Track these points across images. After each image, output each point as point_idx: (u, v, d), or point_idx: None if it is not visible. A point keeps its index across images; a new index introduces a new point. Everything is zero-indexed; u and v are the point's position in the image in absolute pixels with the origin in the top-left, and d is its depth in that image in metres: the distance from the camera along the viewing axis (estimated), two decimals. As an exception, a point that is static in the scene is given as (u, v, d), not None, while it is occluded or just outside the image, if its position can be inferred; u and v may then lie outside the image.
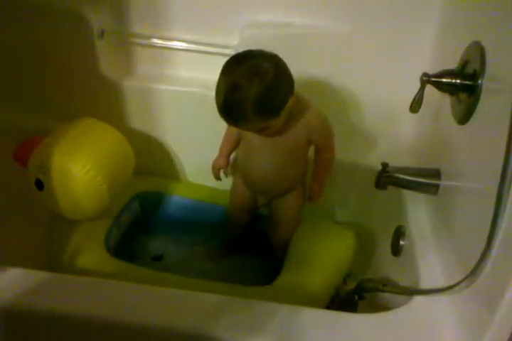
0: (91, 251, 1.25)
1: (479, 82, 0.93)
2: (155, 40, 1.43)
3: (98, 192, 1.21)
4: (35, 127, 1.41)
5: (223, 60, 1.41)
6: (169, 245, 1.46)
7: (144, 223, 1.49)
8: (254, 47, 1.31)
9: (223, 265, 1.39)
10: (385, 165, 1.14)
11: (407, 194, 1.23)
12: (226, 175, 1.37)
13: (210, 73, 1.44)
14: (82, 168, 1.18)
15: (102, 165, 1.22)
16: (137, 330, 0.90)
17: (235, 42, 1.38)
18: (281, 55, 1.31)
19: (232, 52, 1.38)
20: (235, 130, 1.27)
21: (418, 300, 0.94)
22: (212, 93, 1.39)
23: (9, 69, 1.45)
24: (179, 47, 1.43)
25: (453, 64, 1.03)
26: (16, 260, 1.02)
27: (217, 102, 1.05)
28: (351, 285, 1.23)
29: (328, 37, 1.30)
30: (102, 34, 1.41)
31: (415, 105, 1.02)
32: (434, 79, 0.99)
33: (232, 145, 1.33)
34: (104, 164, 1.22)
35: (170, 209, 1.50)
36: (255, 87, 1.00)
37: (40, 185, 1.22)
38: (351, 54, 1.33)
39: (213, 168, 1.36)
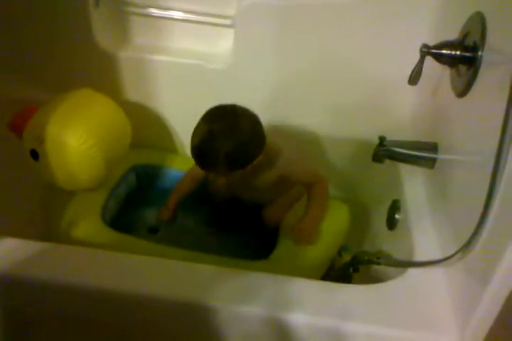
0: (87, 222, 1.24)
1: (479, 54, 0.92)
2: (151, 10, 1.40)
3: (94, 163, 1.21)
4: (30, 98, 1.39)
5: (220, 31, 1.42)
6: (165, 218, 1.45)
7: (140, 195, 1.49)
8: (253, 17, 1.30)
9: (219, 239, 1.39)
10: (382, 139, 1.14)
11: (403, 168, 1.23)
12: (169, 222, 1.39)
13: (206, 44, 1.46)
14: (78, 139, 1.17)
15: (98, 136, 1.21)
16: (132, 300, 0.91)
17: (233, 13, 1.35)
18: (279, 26, 1.30)
19: (229, 22, 1.37)
20: (190, 184, 1.38)
21: (412, 272, 0.95)
22: (210, 65, 1.40)
23: (1, 39, 1.42)
24: (176, 17, 1.40)
25: (454, 35, 1.02)
26: (12, 231, 1.03)
27: (192, 143, 1.11)
28: (346, 258, 1.25)
29: (328, 8, 1.28)
30: (97, 2, 1.37)
31: (414, 77, 1.01)
32: (433, 50, 0.98)
33: (183, 197, 1.39)
34: (100, 135, 1.21)
35: (166, 181, 1.50)
36: (230, 142, 1.07)
37: (35, 155, 1.21)
38: (351, 25, 1.31)
39: (158, 217, 1.39)
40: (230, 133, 1.08)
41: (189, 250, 1.21)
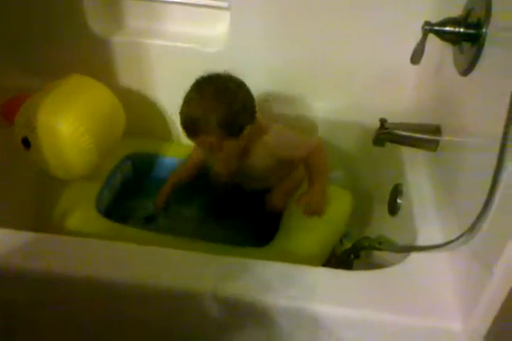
0: (81, 212, 1.22)
1: (483, 30, 0.89)
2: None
3: (86, 150, 1.18)
4: (22, 85, 1.37)
5: (215, 14, 1.38)
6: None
7: (136, 185, 1.46)
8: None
9: (217, 226, 1.36)
10: (383, 121, 1.10)
11: (405, 151, 1.20)
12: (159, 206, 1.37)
13: (202, 27, 1.42)
14: (69, 126, 1.14)
15: (90, 123, 1.18)
16: (127, 290, 0.88)
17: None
18: (275, 9, 1.26)
19: (225, 4, 1.33)
20: (186, 173, 1.37)
21: (415, 257, 0.92)
22: (205, 48, 1.36)
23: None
24: (171, 0, 1.36)
25: (457, 13, 0.98)
26: (5, 221, 1.00)
27: (182, 111, 1.10)
28: (348, 245, 1.21)
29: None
30: (90, -14, 1.34)
31: (416, 56, 0.98)
32: (436, 27, 0.95)
33: (177, 187, 1.36)
34: (92, 121, 1.18)
35: (162, 170, 1.46)
36: (222, 105, 1.07)
37: (27, 143, 1.18)
38: (350, 8, 1.27)
39: (158, 195, 1.37)
40: (220, 96, 1.07)
41: (187, 238, 1.18)
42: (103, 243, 0.95)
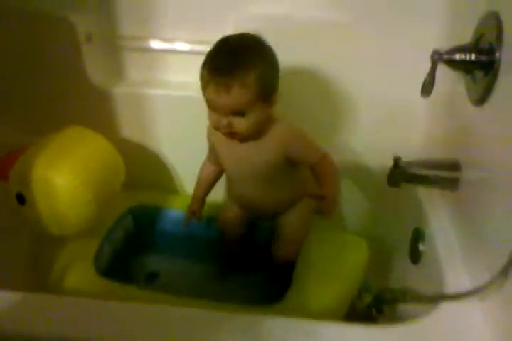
0: (78, 271, 1.15)
1: (496, 55, 0.83)
2: (144, 43, 1.34)
3: (83, 202, 1.12)
4: (21, 141, 1.32)
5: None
6: (165, 263, 1.35)
7: (138, 239, 1.38)
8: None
9: (224, 283, 1.28)
10: (397, 160, 1.02)
11: (422, 191, 1.12)
12: (199, 219, 1.28)
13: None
14: (63, 177, 1.09)
15: (86, 173, 1.13)
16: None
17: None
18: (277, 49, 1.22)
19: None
20: (210, 169, 1.25)
21: (444, 307, 0.82)
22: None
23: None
24: (170, 49, 1.34)
25: (466, 39, 0.92)
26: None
27: (214, 51, 1.03)
28: (368, 299, 1.11)
29: (326, 26, 1.21)
30: (88, 38, 1.33)
31: (427, 88, 0.91)
32: (446, 56, 0.88)
33: (208, 187, 1.27)
34: (88, 172, 1.13)
35: (166, 224, 1.39)
36: (266, 58, 1.01)
37: (21, 199, 1.13)
38: (354, 43, 1.22)
39: (187, 211, 1.28)
40: (263, 51, 1.01)
41: (191, 297, 1.09)
42: (102, 303, 0.87)
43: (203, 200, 1.27)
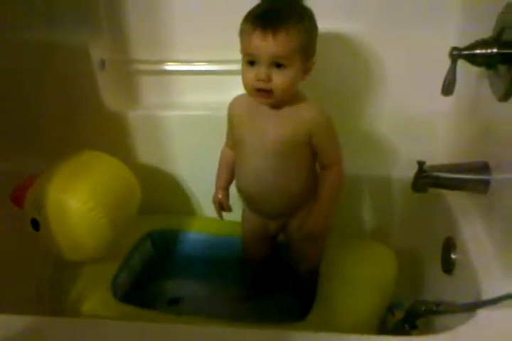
0: (95, 297, 1.12)
1: (520, 47, 0.80)
2: (158, 66, 1.35)
3: (98, 226, 1.09)
4: (37, 168, 1.31)
5: (230, 81, 1.32)
6: (187, 287, 1.30)
7: (159, 264, 1.35)
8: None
9: (248, 306, 1.22)
10: (421, 164, 0.98)
11: (450, 196, 1.07)
12: (227, 209, 1.22)
13: (217, 95, 1.36)
14: (78, 200, 1.07)
15: (101, 197, 1.10)
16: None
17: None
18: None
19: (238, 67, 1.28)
20: (230, 154, 1.19)
21: (483, 315, 0.76)
22: (223, 113, 1.28)
23: (5, 108, 1.38)
24: (182, 70, 1.34)
25: (486, 33, 0.89)
26: (18, 307, 0.93)
27: (257, 6, 1.00)
28: (400, 316, 1.04)
29: (336, 37, 1.20)
30: (102, 64, 1.33)
31: (448, 86, 0.88)
32: (465, 52, 0.85)
33: (229, 173, 1.21)
34: (103, 195, 1.11)
35: (186, 247, 1.35)
36: (311, 18, 1.02)
37: (36, 225, 1.10)
38: (371, 49, 1.21)
39: (214, 203, 1.22)
40: (307, 12, 1.01)
41: (215, 321, 1.05)
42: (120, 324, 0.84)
43: (227, 190, 1.21)
